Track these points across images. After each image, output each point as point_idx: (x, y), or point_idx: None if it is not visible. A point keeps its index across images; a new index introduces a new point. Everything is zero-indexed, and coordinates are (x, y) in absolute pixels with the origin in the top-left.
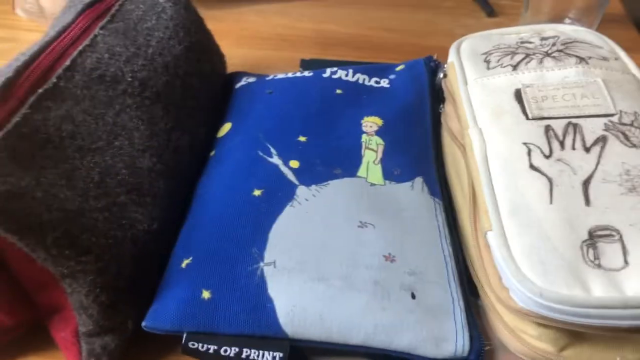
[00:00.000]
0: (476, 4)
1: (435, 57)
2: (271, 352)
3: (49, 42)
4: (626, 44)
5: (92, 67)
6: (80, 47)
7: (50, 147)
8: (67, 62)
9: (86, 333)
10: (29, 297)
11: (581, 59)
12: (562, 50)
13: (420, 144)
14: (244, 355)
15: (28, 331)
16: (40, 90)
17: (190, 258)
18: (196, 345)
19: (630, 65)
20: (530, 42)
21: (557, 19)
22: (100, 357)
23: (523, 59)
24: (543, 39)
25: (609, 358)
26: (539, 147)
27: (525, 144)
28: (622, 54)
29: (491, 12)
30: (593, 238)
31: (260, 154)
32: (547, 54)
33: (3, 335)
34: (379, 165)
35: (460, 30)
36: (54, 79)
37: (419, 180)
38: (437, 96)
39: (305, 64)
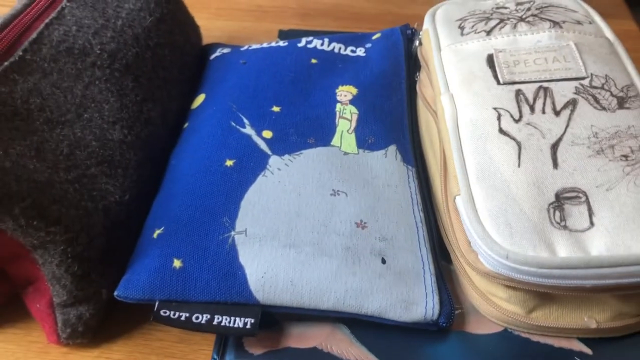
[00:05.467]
0: None
1: (416, 25)
2: (242, 318)
3: (14, 16)
4: (610, 10)
5: (60, 40)
6: (47, 20)
7: (18, 120)
8: (34, 35)
9: (61, 304)
10: (3, 269)
11: (555, 23)
12: (537, 15)
13: (395, 112)
14: (215, 322)
15: (3, 304)
16: (6, 63)
17: (162, 228)
18: (168, 313)
19: (605, 29)
20: (506, 8)
21: None
22: (76, 326)
23: (497, 24)
24: (518, 3)
25: (577, 318)
26: (508, 112)
27: (495, 108)
28: (597, 18)
29: None
30: (560, 200)
31: (233, 124)
32: (522, 19)
33: None
34: (353, 134)
35: None
36: (19, 52)
37: (392, 149)
38: (413, 65)
39: (283, 35)
